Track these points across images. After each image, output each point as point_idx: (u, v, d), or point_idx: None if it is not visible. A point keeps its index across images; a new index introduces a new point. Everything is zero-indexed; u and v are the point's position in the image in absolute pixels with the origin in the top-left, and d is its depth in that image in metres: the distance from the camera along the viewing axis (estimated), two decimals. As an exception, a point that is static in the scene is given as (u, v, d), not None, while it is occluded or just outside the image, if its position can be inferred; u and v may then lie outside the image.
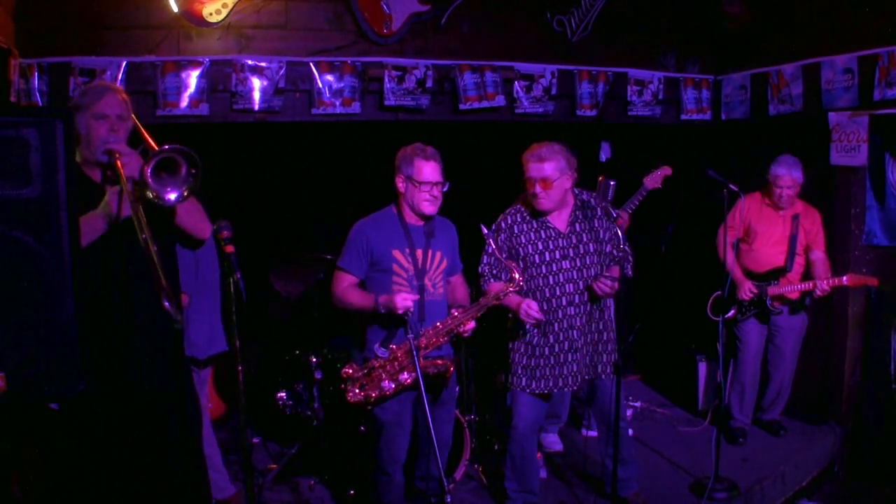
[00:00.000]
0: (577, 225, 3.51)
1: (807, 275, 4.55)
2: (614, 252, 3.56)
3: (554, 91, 4.76)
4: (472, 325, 3.31)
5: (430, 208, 3.28)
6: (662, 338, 5.66)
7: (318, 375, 4.18)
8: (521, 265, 3.48)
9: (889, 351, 4.52)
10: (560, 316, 3.48)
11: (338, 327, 4.45)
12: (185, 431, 2.81)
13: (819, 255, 4.52)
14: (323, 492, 4.00)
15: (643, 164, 4.61)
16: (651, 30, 5.14)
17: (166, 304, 2.19)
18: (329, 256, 4.09)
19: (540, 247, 3.48)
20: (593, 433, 4.72)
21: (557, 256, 3.48)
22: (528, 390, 3.56)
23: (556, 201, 3.44)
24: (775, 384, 4.72)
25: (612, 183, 3.35)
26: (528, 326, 3.47)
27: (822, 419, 4.82)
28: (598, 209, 3.50)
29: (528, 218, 3.52)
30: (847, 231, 4.63)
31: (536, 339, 3.53)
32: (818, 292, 4.36)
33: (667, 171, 4.46)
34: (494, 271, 3.51)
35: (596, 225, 3.51)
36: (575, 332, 3.49)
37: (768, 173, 4.51)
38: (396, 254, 3.28)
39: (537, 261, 3.48)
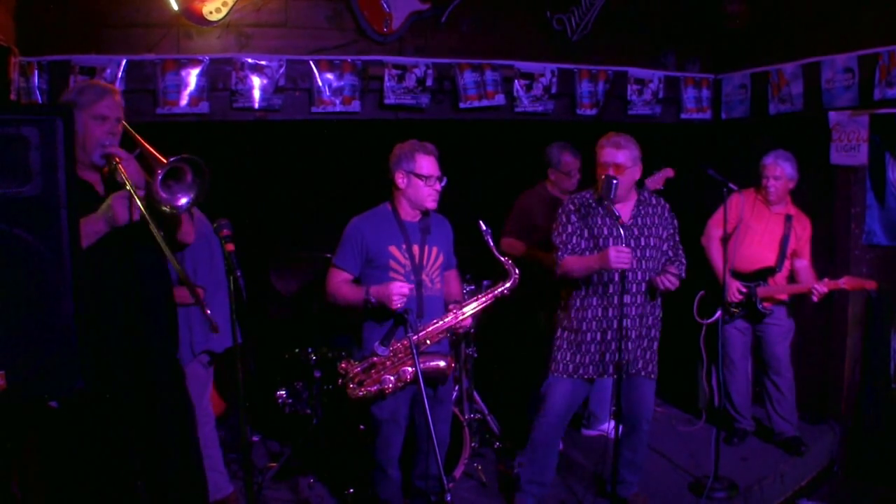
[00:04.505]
0: (639, 219, 3.58)
1: (791, 280, 4.44)
2: (669, 252, 3.64)
3: (554, 90, 4.75)
4: (469, 321, 3.35)
5: (433, 202, 3.31)
6: (662, 336, 5.64)
7: (317, 374, 4.17)
8: (591, 244, 3.54)
9: (889, 350, 4.51)
10: (616, 303, 3.49)
11: (337, 326, 4.44)
12: (182, 429, 2.82)
13: (804, 263, 4.42)
14: (322, 490, 4.00)
15: (643, 163, 4.59)
16: (651, 29, 5.13)
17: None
18: (329, 255, 4.07)
19: (605, 232, 3.54)
20: (592, 432, 4.74)
21: (620, 245, 3.50)
22: (574, 376, 3.59)
23: (625, 189, 3.50)
24: (779, 392, 4.54)
25: (614, 181, 3.37)
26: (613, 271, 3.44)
27: (821, 418, 4.82)
28: (660, 208, 3.62)
29: (593, 204, 3.58)
30: (847, 230, 4.63)
31: (586, 324, 3.57)
32: (815, 297, 4.19)
33: (668, 172, 4.42)
34: (571, 244, 3.53)
35: (657, 222, 3.60)
36: (627, 321, 3.51)
37: (759, 165, 4.44)
38: (393, 250, 3.27)
39: (601, 245, 3.52)
